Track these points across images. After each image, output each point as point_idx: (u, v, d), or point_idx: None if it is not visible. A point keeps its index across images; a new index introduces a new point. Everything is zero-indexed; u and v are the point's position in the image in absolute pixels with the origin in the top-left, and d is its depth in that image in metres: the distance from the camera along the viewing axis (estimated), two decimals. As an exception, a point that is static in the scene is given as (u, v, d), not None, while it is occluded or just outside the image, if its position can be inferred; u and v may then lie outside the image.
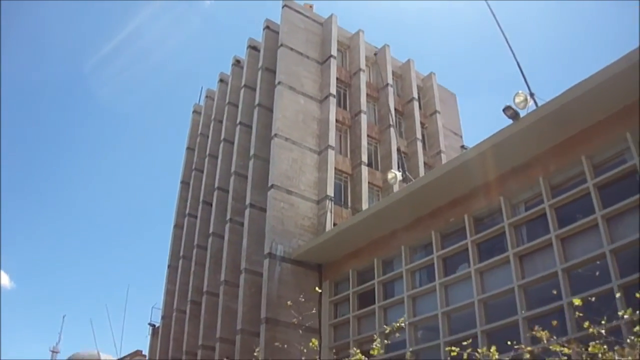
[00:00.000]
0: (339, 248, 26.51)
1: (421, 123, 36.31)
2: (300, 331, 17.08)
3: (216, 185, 34.32)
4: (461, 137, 38.84)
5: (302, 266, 27.41)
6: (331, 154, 29.97)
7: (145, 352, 42.35)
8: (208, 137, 38.95)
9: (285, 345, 18.27)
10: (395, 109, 34.88)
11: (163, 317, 37.05)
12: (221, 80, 40.35)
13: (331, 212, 28.48)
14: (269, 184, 28.43)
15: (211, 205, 34.39)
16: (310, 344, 14.66)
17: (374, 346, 13.95)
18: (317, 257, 27.40)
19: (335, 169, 30.36)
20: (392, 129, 33.30)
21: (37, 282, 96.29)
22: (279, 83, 31.14)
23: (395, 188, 27.15)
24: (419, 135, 34.89)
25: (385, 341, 16.36)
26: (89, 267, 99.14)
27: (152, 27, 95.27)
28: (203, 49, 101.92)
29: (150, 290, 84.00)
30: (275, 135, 29.48)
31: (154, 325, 39.63)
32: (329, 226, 27.92)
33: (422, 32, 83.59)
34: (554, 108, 18.08)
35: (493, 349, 9.87)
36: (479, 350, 10.98)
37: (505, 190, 20.90)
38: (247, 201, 29.65)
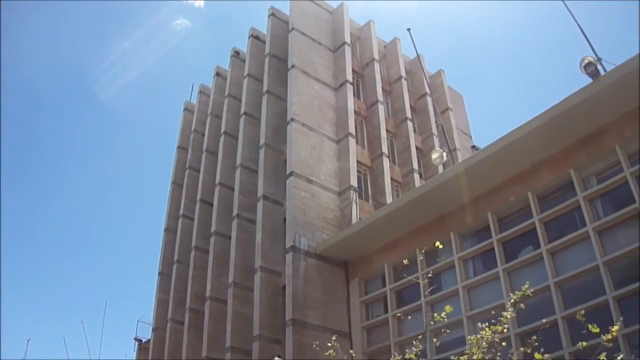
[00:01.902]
0: (369, 241, 23.87)
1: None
2: (331, 335, 14.25)
3: (217, 181, 31.09)
4: (471, 137, 36.99)
5: (327, 262, 24.56)
6: (352, 142, 27.48)
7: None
8: (204, 133, 35.80)
9: (317, 347, 15.31)
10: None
11: (155, 330, 33.15)
12: (217, 74, 37.46)
13: (356, 203, 25.78)
14: (288, 172, 25.68)
15: (211, 204, 31.12)
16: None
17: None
18: (344, 252, 24.63)
19: (355, 160, 27.75)
20: (408, 122, 31.17)
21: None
22: (292, 66, 28.61)
23: (440, 169, 24.78)
24: (434, 131, 32.78)
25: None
26: (59, 281, 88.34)
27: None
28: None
29: (132, 303, 76.40)
30: (292, 119, 26.81)
31: (140, 341, 35.71)
32: (354, 219, 25.19)
33: (422, 32, 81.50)
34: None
35: None
36: None
37: (574, 162, 19.07)
38: (260, 193, 26.63)
